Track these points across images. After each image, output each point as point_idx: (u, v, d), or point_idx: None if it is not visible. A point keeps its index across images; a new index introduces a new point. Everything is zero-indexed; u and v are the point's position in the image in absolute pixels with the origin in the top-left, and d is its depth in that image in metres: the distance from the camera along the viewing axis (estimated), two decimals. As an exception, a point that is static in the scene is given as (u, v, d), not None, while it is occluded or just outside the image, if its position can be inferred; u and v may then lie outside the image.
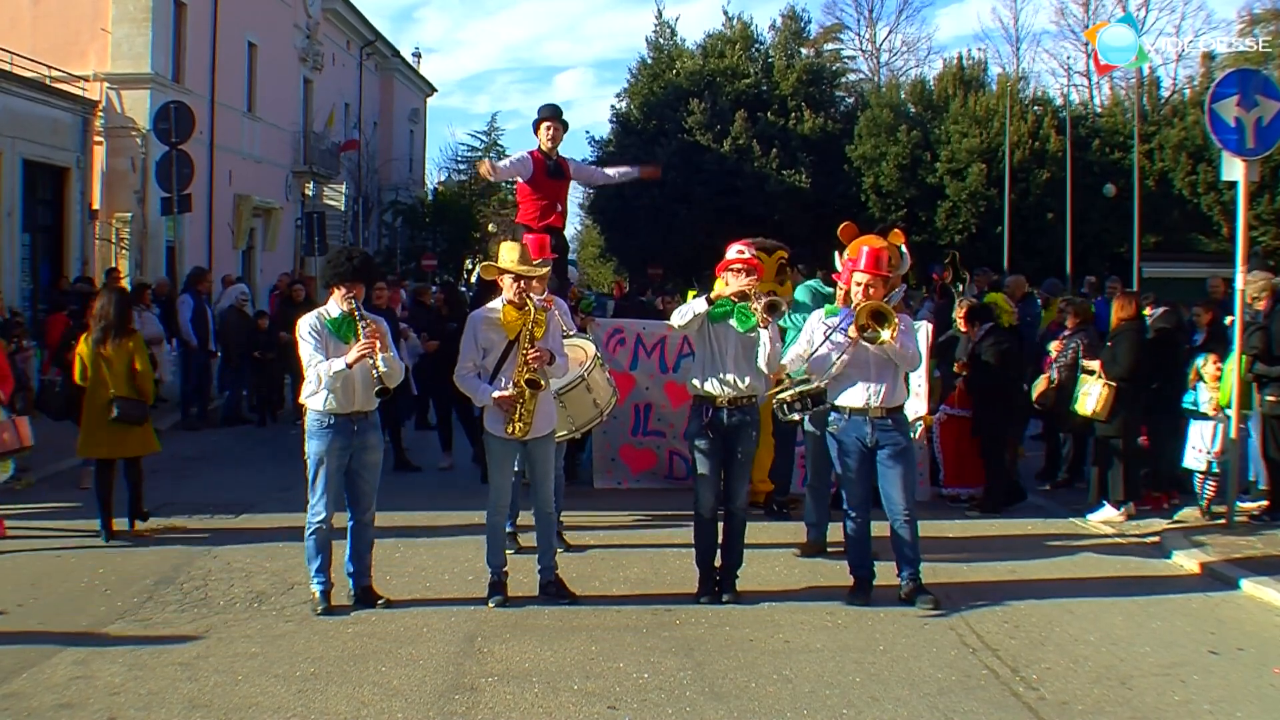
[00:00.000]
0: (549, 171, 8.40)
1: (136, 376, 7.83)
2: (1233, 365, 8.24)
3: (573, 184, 9.17)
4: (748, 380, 6.32)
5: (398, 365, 6.18)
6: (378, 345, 5.93)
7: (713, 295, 6.30)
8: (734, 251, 6.47)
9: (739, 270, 6.34)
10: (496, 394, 6.11)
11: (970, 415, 9.17)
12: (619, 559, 7.18)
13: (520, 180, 8.48)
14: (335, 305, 6.10)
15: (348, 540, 6.24)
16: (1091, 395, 8.57)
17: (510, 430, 6.15)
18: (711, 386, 6.31)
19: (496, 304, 6.30)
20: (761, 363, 6.30)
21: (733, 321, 6.27)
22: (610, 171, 9.63)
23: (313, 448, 6.08)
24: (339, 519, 6.22)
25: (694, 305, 6.30)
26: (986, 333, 9.11)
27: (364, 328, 5.95)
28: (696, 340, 6.45)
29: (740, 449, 6.38)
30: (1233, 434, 8.24)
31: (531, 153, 8.51)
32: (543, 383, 6.14)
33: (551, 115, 8.45)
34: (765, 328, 6.20)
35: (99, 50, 21.52)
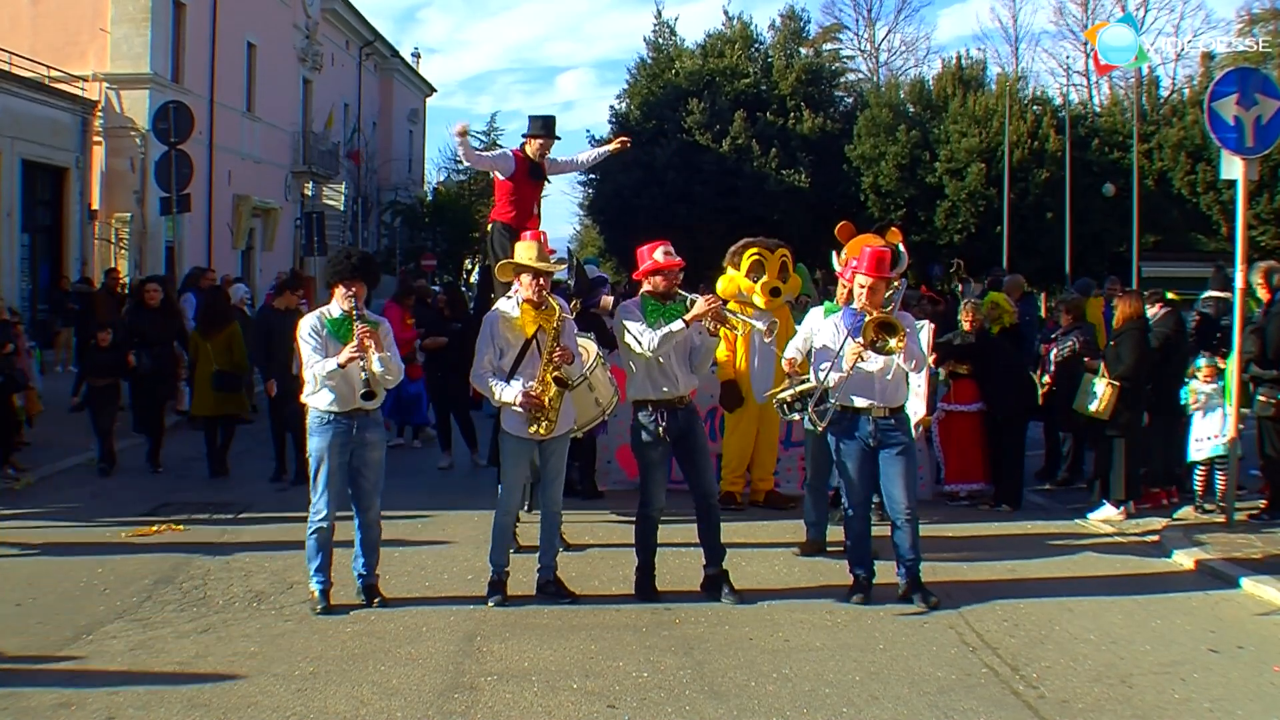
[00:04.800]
0: (530, 173, 8.38)
1: (233, 354, 10.22)
2: (1233, 363, 8.25)
3: (563, 186, 9.10)
4: (689, 377, 6.41)
5: (395, 366, 6.14)
6: (371, 346, 5.91)
7: (688, 318, 6.19)
8: (661, 254, 6.38)
9: (672, 274, 6.34)
10: (529, 392, 6.07)
11: (978, 411, 9.20)
12: (619, 558, 7.17)
13: (499, 177, 8.41)
14: (337, 305, 6.10)
15: (355, 538, 6.26)
16: (1096, 395, 8.57)
17: (534, 430, 6.14)
18: (662, 391, 6.30)
19: (512, 303, 6.28)
20: (695, 364, 6.39)
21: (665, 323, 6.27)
22: (582, 157, 9.49)
23: (313, 445, 6.10)
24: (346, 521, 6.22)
25: (674, 331, 6.17)
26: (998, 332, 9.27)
27: (358, 328, 5.93)
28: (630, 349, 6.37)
29: (697, 444, 6.43)
30: (1231, 431, 8.25)
31: (514, 151, 8.45)
32: (569, 380, 6.14)
33: (545, 133, 8.31)
34: (715, 335, 6.29)
35: (98, 50, 21.53)
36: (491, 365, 6.20)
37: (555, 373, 6.07)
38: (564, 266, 6.72)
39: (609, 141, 9.31)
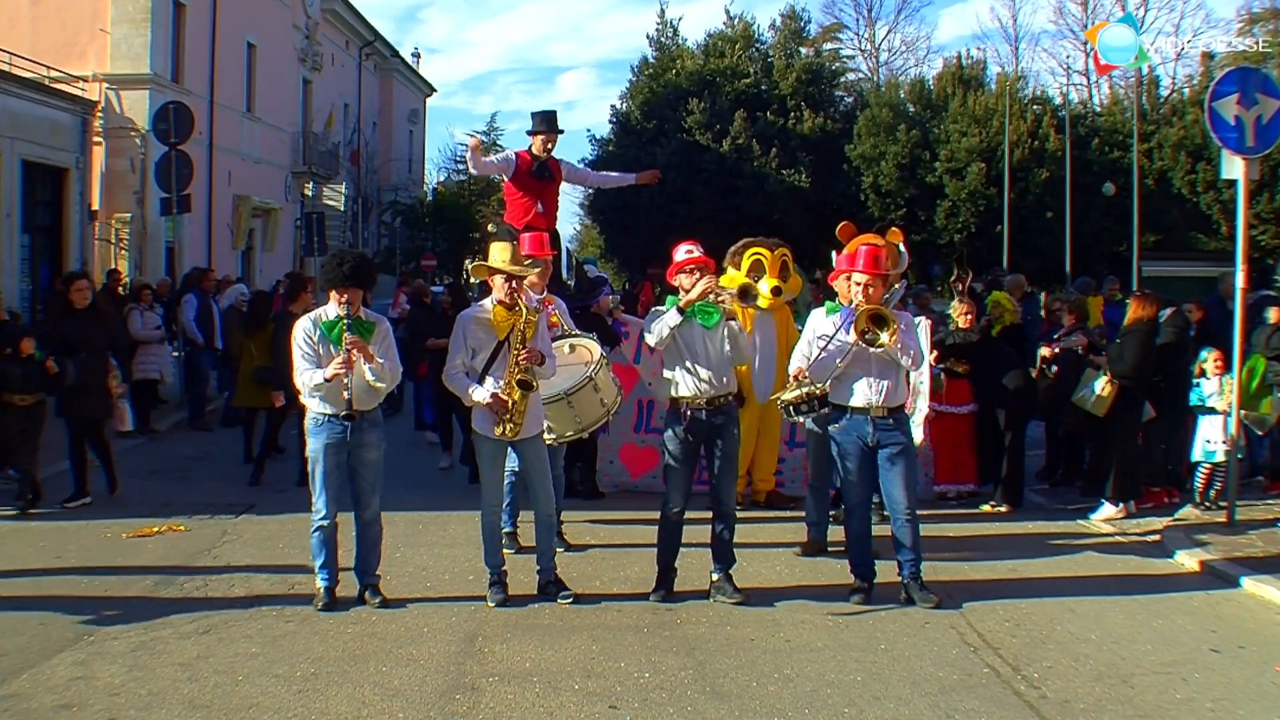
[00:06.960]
0: (533, 173, 8.45)
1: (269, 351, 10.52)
2: (1236, 362, 8.26)
3: (566, 186, 9.18)
4: (724, 378, 6.34)
5: (390, 371, 6.15)
6: (359, 359, 5.92)
7: (681, 304, 6.23)
8: (683, 252, 6.42)
9: (691, 271, 6.33)
10: (489, 395, 6.10)
11: (969, 413, 9.20)
12: (619, 559, 7.17)
13: (505, 179, 8.51)
14: (333, 307, 6.10)
15: (354, 538, 6.27)
16: (1095, 392, 8.56)
17: (499, 431, 6.16)
18: (688, 389, 6.28)
19: (487, 303, 6.30)
20: (729, 355, 6.31)
21: (696, 320, 6.26)
22: (607, 174, 9.68)
23: (311, 446, 6.12)
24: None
25: (666, 320, 6.22)
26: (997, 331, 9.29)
27: (347, 340, 5.90)
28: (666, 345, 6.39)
29: (724, 449, 6.36)
30: (1232, 430, 8.25)
31: (518, 153, 8.58)
32: (534, 384, 6.14)
33: (547, 129, 8.43)
34: (731, 320, 6.22)
35: (98, 51, 21.49)
36: (463, 365, 6.23)
37: (520, 375, 6.07)
38: (536, 271, 6.72)
39: (641, 174, 9.48)
